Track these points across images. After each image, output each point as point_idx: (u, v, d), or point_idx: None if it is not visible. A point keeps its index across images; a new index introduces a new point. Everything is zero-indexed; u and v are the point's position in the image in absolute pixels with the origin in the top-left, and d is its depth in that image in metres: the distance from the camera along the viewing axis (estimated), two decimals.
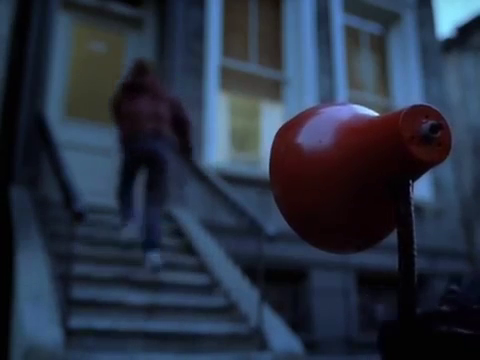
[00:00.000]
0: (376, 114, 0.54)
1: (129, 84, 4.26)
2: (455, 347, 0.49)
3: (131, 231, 4.17)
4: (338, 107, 0.58)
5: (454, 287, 0.59)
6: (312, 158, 0.54)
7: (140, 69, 4.28)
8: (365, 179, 0.52)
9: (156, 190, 4.09)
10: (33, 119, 4.84)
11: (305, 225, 0.58)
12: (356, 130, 0.53)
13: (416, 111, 0.49)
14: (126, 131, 4.11)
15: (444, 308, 0.54)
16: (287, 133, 0.58)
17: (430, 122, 0.49)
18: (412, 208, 0.52)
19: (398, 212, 0.52)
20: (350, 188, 0.53)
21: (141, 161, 4.13)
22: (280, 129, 0.60)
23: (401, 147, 0.48)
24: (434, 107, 0.50)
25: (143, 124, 4.03)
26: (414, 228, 0.52)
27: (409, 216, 0.52)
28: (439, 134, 0.49)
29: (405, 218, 0.52)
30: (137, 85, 4.21)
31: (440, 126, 0.49)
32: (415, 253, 0.52)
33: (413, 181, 0.52)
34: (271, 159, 0.59)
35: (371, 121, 0.53)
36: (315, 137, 0.55)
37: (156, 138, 4.03)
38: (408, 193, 0.52)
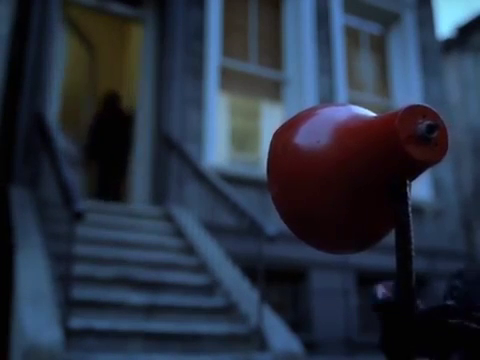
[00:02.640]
0: (373, 114, 0.54)
1: (103, 113, 6.57)
2: (465, 340, 0.50)
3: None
4: (336, 108, 0.58)
5: (457, 283, 0.59)
6: (310, 158, 0.54)
7: (111, 100, 6.59)
8: (363, 179, 0.52)
9: (119, 177, 6.49)
10: (33, 119, 4.84)
11: (303, 226, 0.58)
12: (353, 130, 0.53)
13: (413, 111, 0.49)
14: (98, 141, 6.48)
15: (451, 303, 0.54)
16: (285, 133, 0.58)
17: (427, 122, 0.49)
18: (410, 208, 0.52)
19: (396, 212, 0.52)
20: (348, 188, 0.53)
21: (110, 158, 6.41)
22: (278, 129, 0.60)
23: (398, 147, 0.48)
24: (431, 107, 0.50)
25: (111, 136, 6.53)
26: (412, 228, 0.52)
27: (407, 216, 0.52)
28: (436, 134, 0.49)
29: (403, 218, 0.52)
30: (109, 114, 6.57)
31: (437, 126, 0.49)
32: (413, 253, 0.52)
33: (411, 181, 0.52)
34: (268, 159, 0.59)
35: (368, 121, 0.53)
36: (313, 137, 0.55)
37: (121, 144, 6.49)
38: (406, 193, 0.52)
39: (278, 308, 5.03)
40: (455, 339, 0.50)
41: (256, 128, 6.77)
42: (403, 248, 0.52)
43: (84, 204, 3.28)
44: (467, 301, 0.55)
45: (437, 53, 7.89)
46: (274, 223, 3.57)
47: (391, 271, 6.43)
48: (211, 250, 4.50)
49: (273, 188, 0.58)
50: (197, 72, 5.84)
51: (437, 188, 7.06)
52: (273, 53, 6.69)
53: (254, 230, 3.98)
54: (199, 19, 6.02)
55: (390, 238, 0.59)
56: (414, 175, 0.52)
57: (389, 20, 7.68)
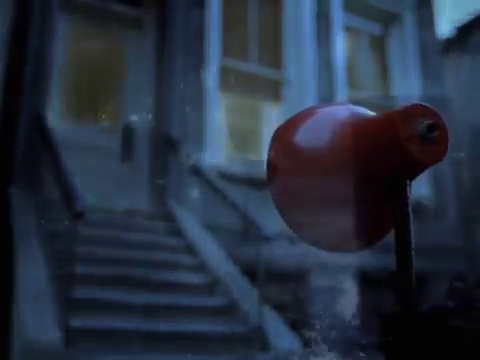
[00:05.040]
0: (373, 114, 0.54)
1: None
2: (461, 340, 0.50)
3: None
4: (335, 107, 0.58)
5: (458, 284, 0.59)
6: (310, 159, 0.54)
7: None
8: (363, 178, 0.52)
9: None
10: (33, 119, 4.84)
11: (304, 225, 0.58)
12: (354, 129, 0.53)
13: (413, 110, 0.49)
14: None
15: (450, 304, 0.54)
16: (284, 133, 0.58)
17: (427, 121, 0.49)
18: (409, 207, 0.52)
19: (395, 211, 0.52)
20: (348, 188, 0.53)
21: None
22: (277, 130, 0.60)
23: (399, 146, 0.48)
24: (431, 106, 0.50)
25: None
26: (411, 227, 0.52)
27: (406, 215, 0.52)
28: (436, 133, 0.49)
29: (402, 217, 0.52)
30: None
31: (437, 125, 0.49)
32: (412, 252, 0.52)
33: (411, 180, 0.52)
34: (268, 160, 0.59)
35: (369, 120, 0.53)
36: (312, 137, 0.55)
37: None
38: (405, 192, 0.52)
39: (278, 308, 5.03)
40: (455, 340, 0.51)
41: (256, 128, 6.76)
42: (403, 247, 0.52)
43: (84, 203, 3.28)
44: (467, 302, 0.55)
45: (437, 53, 7.88)
46: (274, 223, 3.57)
47: (392, 271, 6.39)
48: (211, 249, 4.50)
49: (273, 188, 0.58)
50: (197, 72, 5.84)
51: (437, 187, 7.06)
52: (273, 53, 6.68)
53: (253, 230, 3.98)
54: (199, 19, 6.01)
55: (392, 237, 0.59)
56: (414, 174, 0.52)
57: (389, 20, 7.67)
